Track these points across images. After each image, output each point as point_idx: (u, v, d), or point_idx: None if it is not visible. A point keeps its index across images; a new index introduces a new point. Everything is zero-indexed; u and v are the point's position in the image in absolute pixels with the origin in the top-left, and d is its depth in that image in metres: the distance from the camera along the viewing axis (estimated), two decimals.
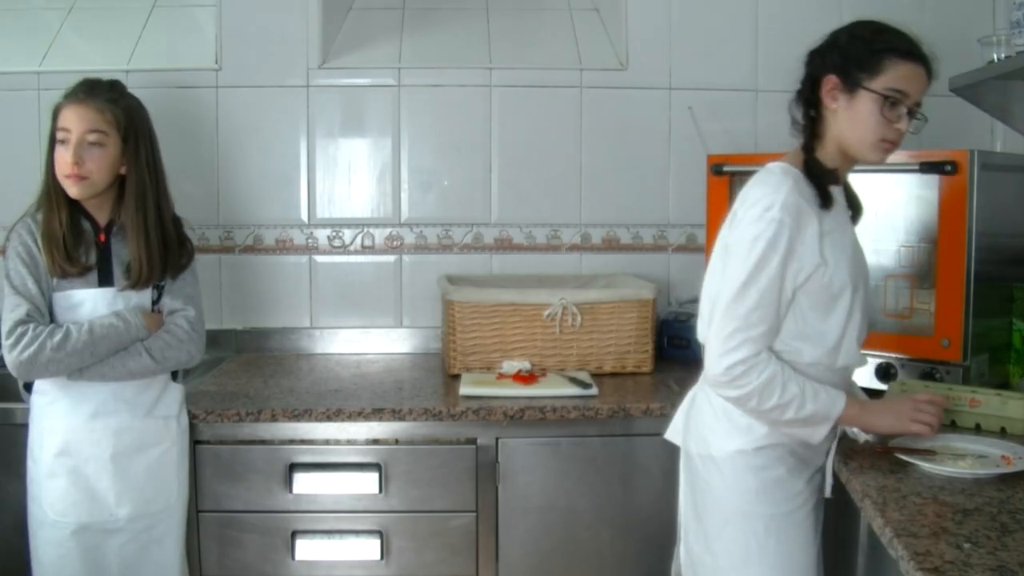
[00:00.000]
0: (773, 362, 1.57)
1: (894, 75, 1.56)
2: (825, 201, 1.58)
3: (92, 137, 1.85)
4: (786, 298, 1.57)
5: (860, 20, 1.66)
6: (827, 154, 1.64)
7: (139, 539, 1.94)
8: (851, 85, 1.58)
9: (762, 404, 1.56)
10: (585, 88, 2.73)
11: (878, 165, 1.67)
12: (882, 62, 1.57)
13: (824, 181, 1.60)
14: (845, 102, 1.60)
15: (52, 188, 1.88)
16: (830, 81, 1.61)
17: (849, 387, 1.73)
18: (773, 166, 1.64)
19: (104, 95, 1.88)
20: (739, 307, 1.55)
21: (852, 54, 1.60)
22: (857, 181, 2.14)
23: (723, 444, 1.67)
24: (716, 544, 1.67)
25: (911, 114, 1.58)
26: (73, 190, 1.87)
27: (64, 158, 1.85)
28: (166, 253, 1.95)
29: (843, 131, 1.61)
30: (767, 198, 1.56)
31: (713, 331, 1.59)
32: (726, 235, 1.65)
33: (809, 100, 1.65)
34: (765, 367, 1.55)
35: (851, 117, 1.59)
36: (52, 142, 1.88)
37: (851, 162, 1.66)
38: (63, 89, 1.93)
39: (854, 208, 1.72)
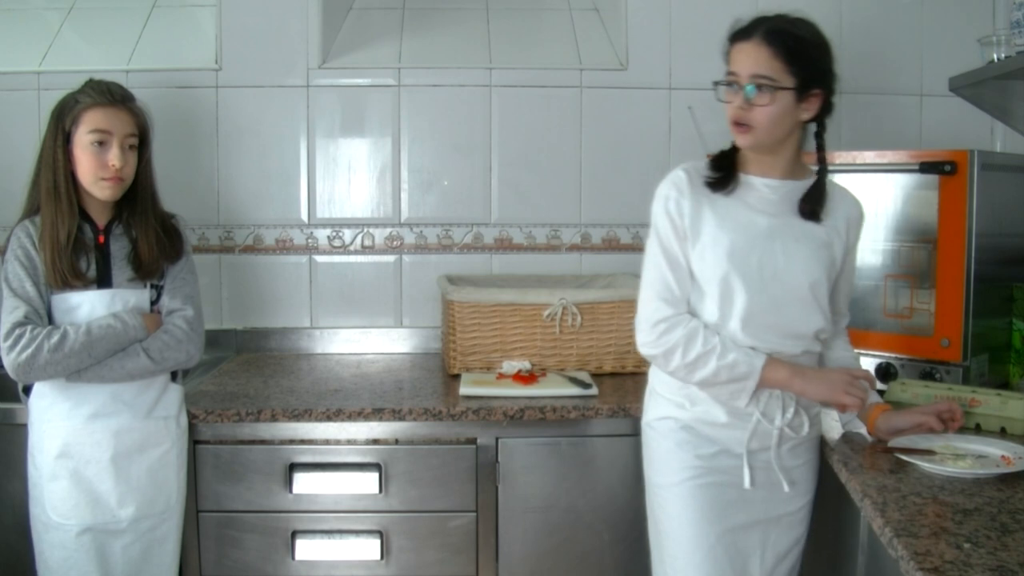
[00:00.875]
0: (694, 320, 1.70)
1: (729, 60, 1.67)
2: (714, 183, 1.71)
3: (131, 140, 1.90)
4: (689, 261, 1.71)
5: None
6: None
7: (143, 540, 1.94)
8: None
9: (686, 356, 1.67)
10: (585, 88, 2.73)
11: (739, 145, 1.71)
12: (727, 55, 1.69)
13: (720, 165, 1.73)
14: None
15: (65, 192, 1.86)
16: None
17: None
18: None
19: (131, 100, 1.93)
20: (653, 273, 1.74)
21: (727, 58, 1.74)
22: (857, 181, 2.15)
23: (644, 417, 1.87)
24: (647, 511, 1.87)
25: (751, 89, 1.62)
26: (107, 192, 1.88)
27: (104, 160, 1.86)
28: (168, 243, 1.98)
29: None
30: (664, 180, 1.75)
31: (639, 304, 1.76)
32: None
33: None
34: (687, 323, 1.69)
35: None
36: (63, 145, 1.86)
37: (763, 151, 1.71)
38: (63, 89, 1.93)
39: (805, 202, 1.72)
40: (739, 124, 1.66)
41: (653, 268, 1.74)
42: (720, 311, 1.69)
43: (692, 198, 1.70)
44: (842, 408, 1.71)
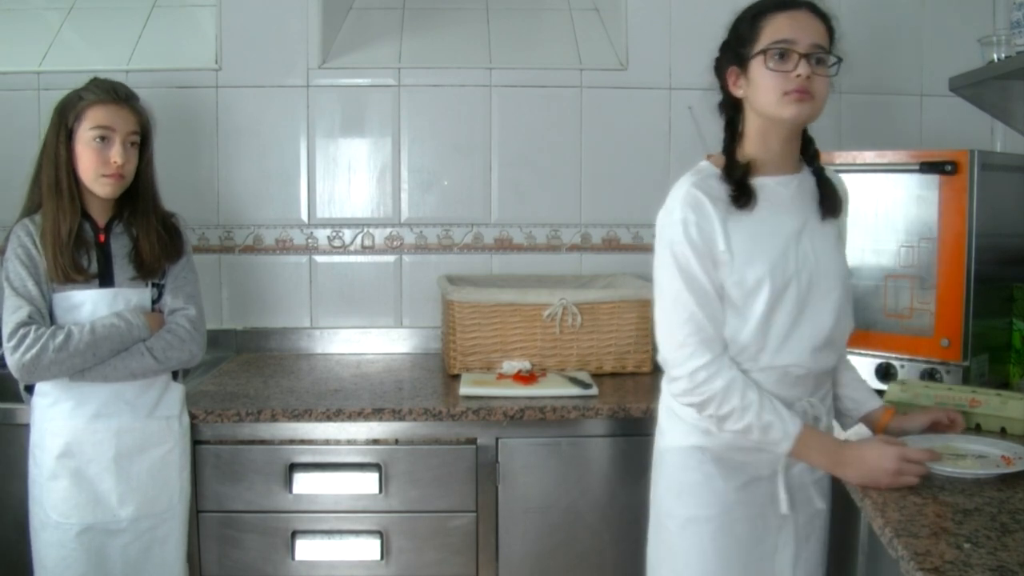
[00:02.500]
0: (733, 368, 1.56)
1: (772, 30, 1.54)
2: (739, 199, 1.56)
3: (134, 138, 1.90)
4: (719, 292, 1.56)
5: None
6: (753, 143, 1.61)
7: (142, 539, 1.94)
8: (743, 63, 1.57)
9: (721, 408, 1.54)
10: (585, 88, 2.73)
11: (794, 119, 1.55)
12: (758, 26, 1.55)
13: (739, 178, 1.57)
14: (746, 82, 1.58)
15: (68, 188, 1.86)
16: (731, 73, 1.61)
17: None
18: (691, 172, 1.63)
19: (135, 99, 1.94)
20: (681, 313, 1.56)
21: (735, 37, 1.60)
22: (858, 181, 2.15)
23: (662, 440, 1.71)
24: (649, 537, 1.73)
25: (814, 59, 1.53)
26: (107, 189, 1.88)
27: (106, 156, 1.86)
28: (170, 242, 1.99)
29: (755, 106, 1.58)
30: (670, 202, 1.59)
31: (665, 344, 1.60)
32: None
33: (726, 103, 1.65)
34: (727, 372, 1.55)
35: (753, 89, 1.57)
36: (65, 141, 1.86)
37: (780, 141, 1.60)
38: (63, 89, 1.93)
39: (827, 201, 1.64)
40: (803, 92, 1.51)
41: (680, 306, 1.56)
42: (760, 333, 1.56)
43: (714, 217, 1.55)
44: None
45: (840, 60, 1.57)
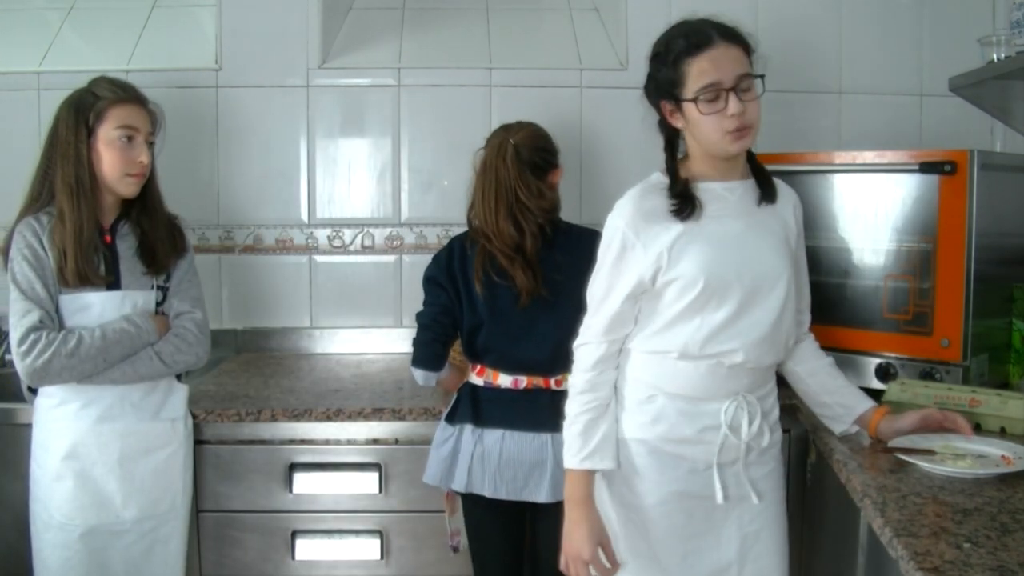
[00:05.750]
0: (608, 385, 1.66)
1: (696, 74, 1.57)
2: (681, 212, 1.61)
3: (151, 138, 1.93)
4: (632, 293, 1.63)
5: (661, 34, 1.67)
6: (698, 161, 1.66)
7: (145, 540, 1.94)
8: (676, 103, 1.62)
9: (570, 397, 1.67)
10: (585, 88, 2.73)
11: (739, 152, 1.62)
12: (681, 70, 1.59)
13: (680, 192, 1.62)
14: (682, 118, 1.63)
15: (90, 187, 1.85)
16: (665, 107, 1.66)
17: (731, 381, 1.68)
18: (640, 183, 1.70)
19: (148, 100, 1.95)
20: (591, 301, 1.67)
21: (660, 79, 1.65)
22: (857, 181, 2.15)
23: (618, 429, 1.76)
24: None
25: (741, 89, 1.56)
26: (132, 188, 1.90)
27: (132, 156, 1.87)
28: (177, 238, 2.01)
29: (698, 140, 1.63)
30: (615, 210, 1.66)
31: (585, 324, 1.69)
32: None
33: (664, 126, 1.70)
34: (600, 373, 1.65)
35: (693, 127, 1.62)
36: (86, 139, 1.85)
37: (726, 160, 1.65)
38: (64, 89, 1.93)
39: (763, 189, 1.69)
40: (740, 129, 1.57)
41: (600, 301, 1.65)
42: (703, 332, 1.60)
43: (651, 226, 1.61)
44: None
45: (762, 76, 1.60)
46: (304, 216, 2.75)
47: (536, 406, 1.95)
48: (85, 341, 1.81)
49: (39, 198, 1.89)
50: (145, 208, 1.95)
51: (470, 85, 2.72)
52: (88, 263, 1.83)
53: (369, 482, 2.12)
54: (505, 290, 1.96)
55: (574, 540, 1.63)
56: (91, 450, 1.88)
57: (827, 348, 1.85)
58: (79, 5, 2.80)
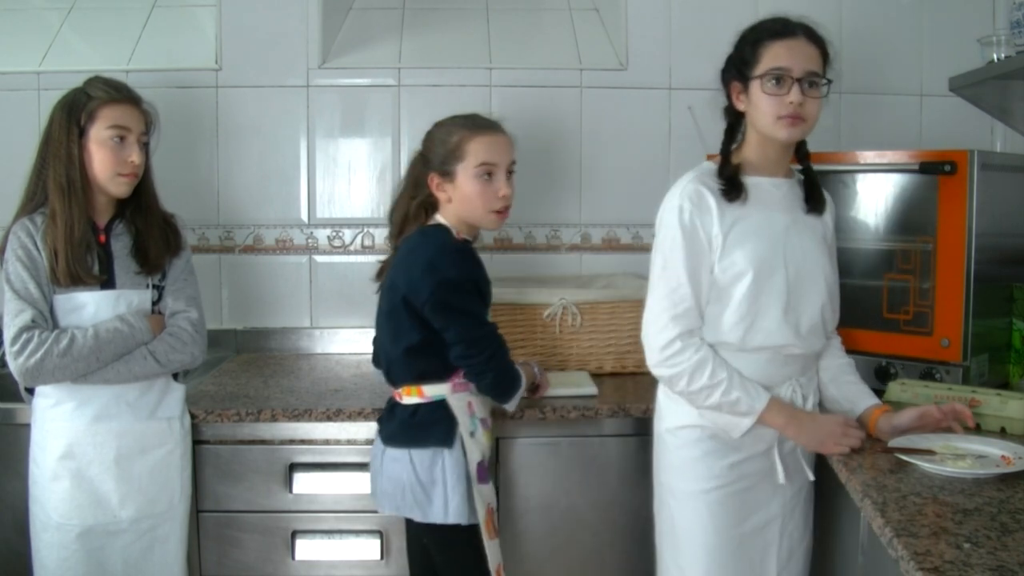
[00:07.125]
0: (705, 346, 1.72)
1: (770, 57, 1.69)
2: (728, 194, 1.72)
3: (144, 138, 1.92)
4: (705, 277, 1.72)
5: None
6: (752, 148, 1.78)
7: (143, 540, 1.94)
8: (745, 82, 1.73)
9: (691, 384, 1.70)
10: (585, 88, 2.73)
11: (787, 140, 1.72)
12: (758, 52, 1.71)
13: (729, 175, 1.73)
14: (747, 99, 1.74)
15: (81, 187, 1.85)
16: (735, 88, 1.76)
17: (785, 378, 1.78)
18: (693, 169, 1.80)
19: (142, 99, 1.94)
20: (662, 288, 1.73)
21: (738, 57, 1.75)
22: (858, 181, 2.15)
23: (660, 423, 1.86)
24: (654, 515, 1.88)
25: (807, 83, 1.68)
26: (123, 188, 1.90)
27: (123, 156, 1.87)
28: (172, 237, 2.00)
29: (753, 122, 1.75)
30: (671, 192, 1.76)
31: (645, 318, 1.77)
32: None
33: (729, 111, 1.81)
34: (697, 349, 1.71)
35: (753, 108, 1.73)
36: (77, 140, 1.85)
37: (777, 150, 1.76)
38: (64, 89, 1.92)
39: (813, 198, 1.81)
40: (795, 117, 1.68)
41: (661, 283, 1.74)
42: (748, 317, 1.71)
43: (712, 206, 1.71)
44: (835, 454, 1.71)
45: (831, 82, 1.73)
46: (304, 216, 2.75)
47: None
48: (77, 340, 1.81)
49: (34, 198, 1.89)
50: (139, 207, 1.95)
51: (470, 85, 2.72)
52: (80, 263, 1.83)
53: (369, 482, 2.12)
54: None
55: (821, 433, 1.71)
56: (87, 450, 1.88)
57: None
58: (79, 5, 2.80)
